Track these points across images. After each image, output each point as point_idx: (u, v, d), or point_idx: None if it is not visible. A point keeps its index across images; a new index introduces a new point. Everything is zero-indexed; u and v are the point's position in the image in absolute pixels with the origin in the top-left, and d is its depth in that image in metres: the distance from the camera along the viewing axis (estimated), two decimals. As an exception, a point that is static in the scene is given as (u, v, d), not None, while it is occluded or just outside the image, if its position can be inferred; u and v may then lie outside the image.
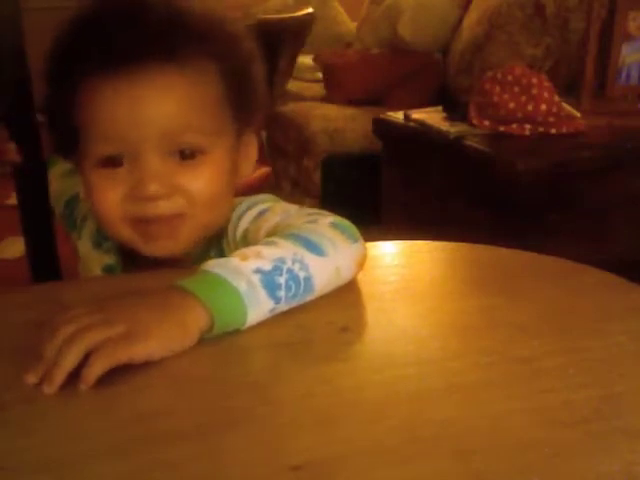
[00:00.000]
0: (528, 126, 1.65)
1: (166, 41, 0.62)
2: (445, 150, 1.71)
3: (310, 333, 0.55)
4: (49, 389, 0.46)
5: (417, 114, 1.87)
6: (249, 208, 0.69)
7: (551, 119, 1.65)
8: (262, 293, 0.53)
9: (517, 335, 0.54)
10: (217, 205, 0.68)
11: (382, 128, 2.02)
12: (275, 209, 0.67)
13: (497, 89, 1.68)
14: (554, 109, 1.65)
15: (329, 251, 0.57)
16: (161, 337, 0.49)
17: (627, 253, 1.62)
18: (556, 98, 1.66)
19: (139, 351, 0.48)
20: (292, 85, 2.73)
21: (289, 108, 2.55)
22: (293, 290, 0.54)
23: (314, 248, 0.57)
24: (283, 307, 0.55)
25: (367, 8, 2.93)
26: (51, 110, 0.69)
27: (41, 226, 0.90)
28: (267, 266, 0.54)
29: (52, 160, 0.92)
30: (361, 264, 0.62)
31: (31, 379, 0.47)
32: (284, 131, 2.50)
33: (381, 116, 2.02)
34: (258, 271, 0.53)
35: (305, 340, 0.54)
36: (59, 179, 0.89)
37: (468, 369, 0.50)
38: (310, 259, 0.56)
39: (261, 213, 0.68)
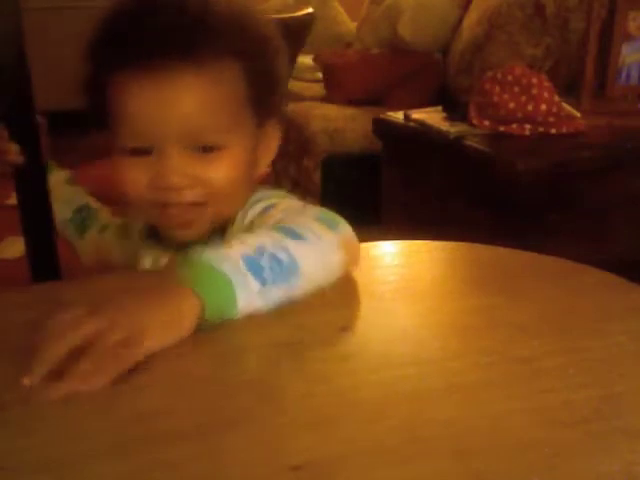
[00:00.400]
0: (528, 126, 1.65)
1: (186, 41, 0.65)
2: (445, 150, 1.71)
3: (310, 333, 0.55)
4: (51, 396, 0.46)
5: (417, 114, 1.87)
6: (259, 200, 0.72)
7: (551, 119, 1.65)
8: (248, 275, 0.54)
9: (517, 335, 0.54)
10: (234, 195, 0.71)
11: (382, 128, 2.02)
12: (280, 206, 0.69)
13: (497, 89, 1.68)
14: (554, 109, 1.65)
15: (309, 236, 0.59)
16: (159, 334, 0.51)
17: (627, 253, 1.62)
18: (556, 98, 1.66)
19: (141, 354, 0.49)
20: (292, 85, 2.73)
21: (289, 108, 2.55)
22: (278, 271, 0.56)
23: (294, 235, 0.58)
24: (272, 289, 0.56)
25: (367, 8, 2.93)
26: (89, 96, 0.73)
27: (41, 226, 0.90)
28: (250, 251, 0.56)
29: (51, 166, 0.93)
30: (351, 247, 0.62)
31: (26, 382, 0.47)
32: (284, 131, 2.50)
33: (381, 116, 2.02)
34: (242, 256, 0.55)
35: (305, 340, 0.54)
36: (63, 186, 0.94)
37: (468, 369, 0.50)
38: (290, 243, 0.57)
39: (267, 209, 0.70)
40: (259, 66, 0.70)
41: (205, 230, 0.72)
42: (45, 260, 0.90)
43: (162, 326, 0.51)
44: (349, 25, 3.31)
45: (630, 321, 0.57)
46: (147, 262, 0.78)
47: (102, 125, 0.71)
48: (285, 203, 0.70)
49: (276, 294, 0.56)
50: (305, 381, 0.49)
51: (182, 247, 0.71)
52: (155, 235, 0.78)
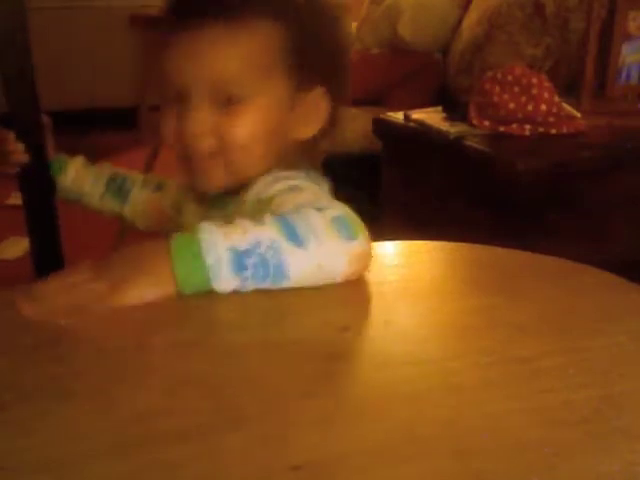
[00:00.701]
0: (528, 126, 1.65)
1: (222, 2, 0.70)
2: (445, 150, 1.71)
3: (310, 333, 0.55)
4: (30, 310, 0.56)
5: (417, 114, 1.87)
6: (288, 178, 0.72)
7: (551, 119, 1.65)
8: (227, 270, 0.57)
9: (517, 335, 0.54)
10: (250, 155, 0.73)
11: (382, 128, 2.02)
12: (306, 191, 0.70)
13: (497, 89, 1.68)
14: (554, 109, 1.65)
15: (310, 245, 0.59)
16: (135, 289, 0.57)
17: (627, 253, 1.62)
18: (556, 98, 1.66)
19: (118, 300, 0.56)
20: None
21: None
22: (261, 273, 0.58)
23: (294, 238, 0.59)
24: (252, 286, 0.58)
25: (367, 8, 2.93)
26: None
27: (46, 225, 0.90)
28: (242, 246, 0.58)
29: (63, 158, 0.94)
30: (359, 261, 0.61)
31: (22, 304, 0.56)
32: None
33: (381, 116, 2.02)
34: (231, 249, 0.57)
35: (305, 340, 0.54)
36: (84, 169, 0.97)
37: (468, 369, 0.50)
38: (286, 247, 0.58)
39: (292, 189, 0.70)
40: (304, 32, 0.72)
41: (223, 182, 0.74)
42: (50, 259, 0.91)
43: (141, 281, 0.57)
44: (349, 25, 3.31)
45: (630, 321, 0.57)
46: (188, 216, 0.81)
47: None
48: (313, 190, 0.70)
49: (252, 287, 0.59)
50: (305, 381, 0.49)
51: (212, 201, 0.76)
52: (198, 198, 0.80)
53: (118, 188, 0.97)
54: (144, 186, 0.97)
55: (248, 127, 0.71)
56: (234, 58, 0.70)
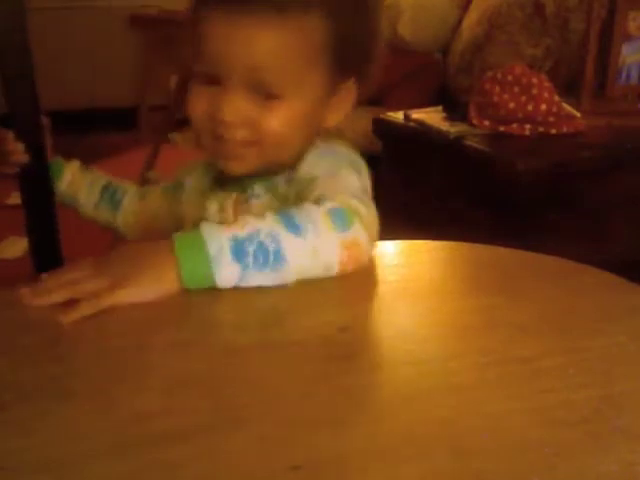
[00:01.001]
0: (528, 126, 1.65)
1: None
2: (445, 150, 1.71)
3: (310, 333, 0.55)
4: (33, 301, 0.58)
5: (417, 114, 1.87)
6: (339, 161, 0.74)
7: (551, 119, 1.65)
8: (229, 258, 0.59)
9: (517, 335, 0.54)
10: (285, 145, 0.73)
11: (382, 128, 2.02)
12: (337, 180, 0.71)
13: (497, 89, 1.68)
14: (554, 109, 1.65)
15: (307, 234, 0.61)
16: (138, 286, 0.58)
17: (627, 253, 1.62)
18: (556, 98, 1.66)
19: (119, 298, 0.57)
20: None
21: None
22: (261, 260, 0.59)
23: (294, 228, 0.61)
24: (254, 274, 0.60)
25: (367, 8, 2.93)
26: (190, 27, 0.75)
27: (45, 225, 0.90)
28: (242, 234, 0.60)
29: (60, 162, 0.94)
30: (352, 250, 0.62)
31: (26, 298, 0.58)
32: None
33: (381, 116, 2.02)
34: (232, 237, 0.59)
35: (305, 340, 0.54)
36: (80, 174, 0.95)
37: (468, 369, 0.50)
38: (285, 236, 0.60)
39: (332, 174, 0.72)
40: (348, 25, 0.71)
41: (253, 167, 0.74)
42: (49, 259, 0.91)
43: (143, 278, 0.58)
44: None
45: (630, 321, 0.57)
46: (213, 207, 0.79)
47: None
48: (339, 180, 0.71)
49: (258, 278, 0.60)
50: (305, 381, 0.49)
51: (240, 187, 0.76)
52: (220, 181, 0.80)
53: (111, 198, 0.96)
54: (134, 196, 0.96)
55: (285, 123, 0.71)
56: (279, 49, 0.68)
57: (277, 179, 0.75)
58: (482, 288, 0.64)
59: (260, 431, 0.43)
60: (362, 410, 0.45)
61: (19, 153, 0.84)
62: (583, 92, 1.89)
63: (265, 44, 0.68)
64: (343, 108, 0.77)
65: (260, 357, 0.53)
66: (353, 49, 0.72)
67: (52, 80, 3.05)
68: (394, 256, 0.73)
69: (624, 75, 1.93)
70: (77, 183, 0.94)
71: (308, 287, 0.62)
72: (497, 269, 0.68)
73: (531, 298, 0.61)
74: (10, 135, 0.84)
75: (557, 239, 1.47)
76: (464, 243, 0.73)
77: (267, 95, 0.69)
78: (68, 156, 0.98)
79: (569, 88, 1.94)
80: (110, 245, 1.78)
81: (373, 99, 2.49)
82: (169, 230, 0.85)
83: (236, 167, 0.74)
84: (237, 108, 0.69)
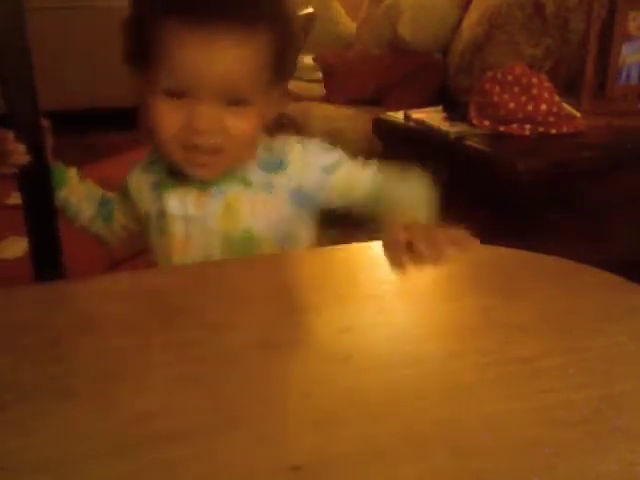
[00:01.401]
0: (528, 126, 1.65)
1: (237, 7, 0.73)
2: (445, 150, 1.71)
3: (310, 333, 0.55)
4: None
5: (417, 114, 1.87)
6: (330, 149, 0.88)
7: (551, 119, 1.65)
8: None
9: (517, 335, 0.54)
10: (248, 146, 0.81)
11: (382, 128, 2.02)
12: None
13: (497, 89, 1.68)
14: (554, 109, 1.65)
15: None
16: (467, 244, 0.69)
17: (627, 253, 1.62)
18: (556, 98, 1.66)
19: (470, 248, 0.68)
20: (292, 85, 2.72)
21: (289, 108, 2.55)
22: None
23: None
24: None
25: (367, 8, 2.93)
26: (133, 35, 0.80)
27: (45, 226, 0.90)
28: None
29: (61, 167, 0.94)
30: None
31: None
32: (284, 131, 2.50)
33: (381, 116, 2.02)
34: None
35: (305, 340, 0.54)
36: (79, 184, 0.96)
37: (468, 369, 0.50)
38: None
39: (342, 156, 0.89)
40: (285, 33, 0.78)
41: (221, 172, 0.80)
42: (49, 259, 0.90)
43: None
44: (349, 25, 3.31)
45: (630, 321, 0.57)
46: (174, 203, 0.83)
47: (139, 62, 0.78)
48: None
49: None
50: (305, 381, 0.49)
51: (199, 182, 0.81)
52: (178, 176, 0.83)
53: (108, 211, 0.96)
54: (119, 209, 0.96)
55: (251, 127, 0.77)
56: (244, 60, 0.74)
57: (243, 171, 0.82)
58: (482, 288, 0.64)
59: (260, 431, 0.43)
60: (362, 410, 0.45)
61: (19, 153, 0.84)
62: (583, 92, 1.88)
63: (236, 57, 0.73)
64: (272, 114, 0.84)
65: (260, 357, 0.53)
66: (288, 56, 0.80)
67: (52, 80, 3.05)
68: (394, 256, 0.73)
69: (624, 75, 1.92)
70: (76, 194, 0.94)
71: (308, 287, 0.62)
72: (497, 269, 0.68)
73: (531, 298, 0.61)
74: (10, 135, 0.84)
75: (557, 239, 1.47)
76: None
77: (235, 102, 0.75)
78: (68, 156, 0.98)
79: (569, 88, 1.94)
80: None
81: (373, 99, 2.49)
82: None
83: (207, 174, 0.80)
84: (212, 115, 0.74)
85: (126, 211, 0.94)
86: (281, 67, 0.79)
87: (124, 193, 0.93)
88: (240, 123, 0.76)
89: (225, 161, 0.79)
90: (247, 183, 0.82)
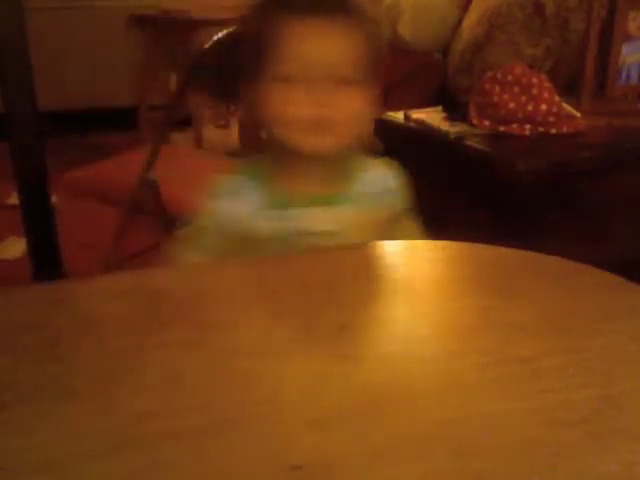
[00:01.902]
0: (528, 126, 1.65)
1: (341, 5, 0.86)
2: (445, 150, 1.71)
3: (310, 332, 0.55)
4: None
5: (417, 114, 1.87)
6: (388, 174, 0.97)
7: (551, 119, 1.65)
8: None
9: (517, 335, 0.54)
10: (358, 124, 0.88)
11: (382, 128, 2.02)
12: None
13: (497, 89, 1.68)
14: (554, 109, 1.65)
15: None
16: None
17: (627, 253, 1.62)
18: (556, 98, 1.66)
19: None
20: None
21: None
22: None
23: None
24: None
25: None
26: (244, 38, 0.90)
27: (43, 226, 0.90)
28: None
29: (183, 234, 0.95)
30: None
31: None
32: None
33: (381, 116, 2.02)
34: None
35: (304, 339, 0.54)
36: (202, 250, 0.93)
37: (468, 369, 0.50)
38: None
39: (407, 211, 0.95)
40: (374, 34, 0.88)
41: (330, 148, 0.86)
42: (48, 259, 0.91)
43: None
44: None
45: (630, 321, 0.57)
46: (312, 220, 0.88)
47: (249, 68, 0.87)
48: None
49: None
50: (305, 381, 0.49)
51: (326, 203, 0.88)
52: (294, 193, 0.89)
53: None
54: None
55: (359, 104, 0.85)
56: (349, 48, 0.84)
57: (349, 195, 0.90)
58: (482, 288, 0.64)
59: (260, 431, 0.43)
60: (362, 410, 0.45)
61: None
62: (583, 92, 1.88)
63: (340, 44, 0.84)
64: (376, 111, 0.91)
65: (260, 357, 0.53)
66: (378, 57, 0.89)
67: (52, 80, 3.05)
68: (394, 256, 0.73)
69: (624, 75, 1.92)
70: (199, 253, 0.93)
71: (308, 287, 0.62)
72: (497, 269, 0.68)
73: (531, 298, 0.61)
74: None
75: (557, 239, 1.47)
76: (464, 243, 0.73)
77: (343, 82, 0.83)
78: (68, 156, 0.98)
79: (569, 88, 1.94)
80: (112, 246, 1.78)
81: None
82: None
83: (316, 144, 0.85)
84: (327, 93, 0.82)
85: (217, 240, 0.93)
86: (373, 62, 0.87)
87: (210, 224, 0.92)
88: (348, 101, 0.84)
89: (338, 137, 0.86)
90: (359, 201, 0.90)
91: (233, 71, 0.94)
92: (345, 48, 0.85)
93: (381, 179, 0.96)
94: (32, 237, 0.90)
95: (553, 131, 1.65)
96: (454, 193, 1.74)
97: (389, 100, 2.45)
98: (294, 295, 0.61)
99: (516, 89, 1.66)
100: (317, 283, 0.65)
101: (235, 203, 0.89)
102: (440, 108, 1.88)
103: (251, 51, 0.87)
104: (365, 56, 0.86)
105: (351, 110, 0.85)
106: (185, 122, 3.20)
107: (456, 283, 0.68)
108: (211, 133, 3.78)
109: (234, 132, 3.17)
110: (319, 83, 0.83)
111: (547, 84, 1.66)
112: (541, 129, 1.65)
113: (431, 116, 1.84)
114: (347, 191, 0.90)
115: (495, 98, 1.67)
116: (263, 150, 0.94)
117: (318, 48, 0.84)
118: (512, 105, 1.65)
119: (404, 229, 0.97)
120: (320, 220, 0.87)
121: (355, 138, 0.89)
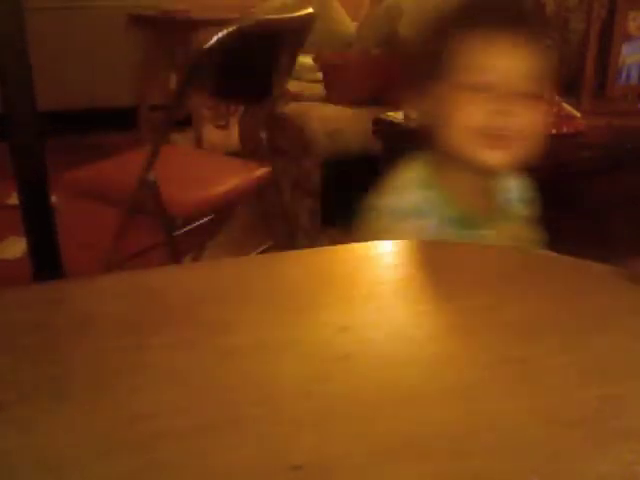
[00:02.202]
0: (528, 126, 1.65)
1: (529, 20, 0.94)
2: (445, 150, 1.71)
3: (309, 333, 0.55)
4: None
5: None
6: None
7: (551, 119, 1.65)
8: None
9: (516, 335, 0.54)
10: (536, 139, 0.91)
11: (382, 128, 2.02)
12: None
13: (497, 89, 1.68)
14: (554, 109, 1.65)
15: None
16: None
17: (627, 253, 1.61)
18: (556, 98, 1.66)
19: None
20: (292, 85, 2.73)
21: (289, 108, 2.55)
22: None
23: None
24: None
25: (367, 8, 2.93)
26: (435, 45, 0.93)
27: (43, 226, 0.90)
28: None
29: None
30: None
31: None
32: (284, 131, 2.50)
33: (381, 116, 2.02)
34: None
35: (304, 340, 0.54)
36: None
37: (467, 369, 0.50)
38: None
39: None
40: (551, 50, 0.92)
41: (510, 161, 0.90)
42: (48, 259, 0.91)
43: None
44: (349, 25, 3.31)
45: (630, 321, 0.57)
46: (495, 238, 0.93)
47: (428, 76, 0.92)
48: None
49: None
50: (304, 381, 0.49)
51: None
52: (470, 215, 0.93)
53: None
54: None
55: (539, 118, 0.89)
56: (535, 61, 0.88)
57: (503, 208, 0.95)
58: (482, 288, 0.64)
59: (260, 431, 0.43)
60: (362, 410, 0.45)
61: None
62: (583, 92, 1.88)
63: (528, 57, 0.88)
64: (548, 124, 0.97)
65: (259, 357, 0.53)
66: (553, 70, 0.92)
67: (52, 80, 3.05)
68: (394, 256, 0.73)
69: (624, 75, 1.92)
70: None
71: (308, 287, 0.62)
72: (497, 269, 0.68)
73: (531, 298, 0.61)
74: None
75: (557, 239, 1.47)
76: (464, 243, 0.73)
77: (527, 96, 0.87)
78: (68, 156, 0.98)
79: (569, 88, 1.94)
80: (112, 245, 1.78)
81: (373, 99, 2.49)
82: None
83: (501, 158, 0.89)
84: (512, 104, 0.86)
85: None
86: (549, 76, 0.91)
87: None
88: (529, 114, 0.87)
89: (516, 150, 0.89)
90: (511, 213, 0.96)
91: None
92: (528, 62, 0.88)
93: (517, 188, 1.02)
94: (32, 237, 0.91)
95: (553, 131, 1.65)
96: (454, 193, 1.73)
97: (389, 100, 2.45)
98: (293, 295, 0.61)
99: (516, 89, 1.66)
100: (316, 283, 0.65)
101: (419, 220, 0.93)
102: (440, 108, 1.88)
103: (430, 59, 0.91)
104: (543, 70, 0.89)
105: (531, 124, 0.88)
106: (185, 122, 3.20)
107: (456, 283, 0.68)
108: (211, 133, 3.78)
109: (234, 132, 3.17)
110: (503, 95, 0.86)
111: (547, 84, 1.66)
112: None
113: (431, 116, 1.83)
114: (499, 203, 0.95)
115: (495, 98, 1.67)
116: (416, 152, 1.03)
117: (504, 61, 0.87)
118: (512, 105, 1.65)
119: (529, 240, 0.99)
120: (494, 239, 0.91)
121: (528, 153, 0.91)
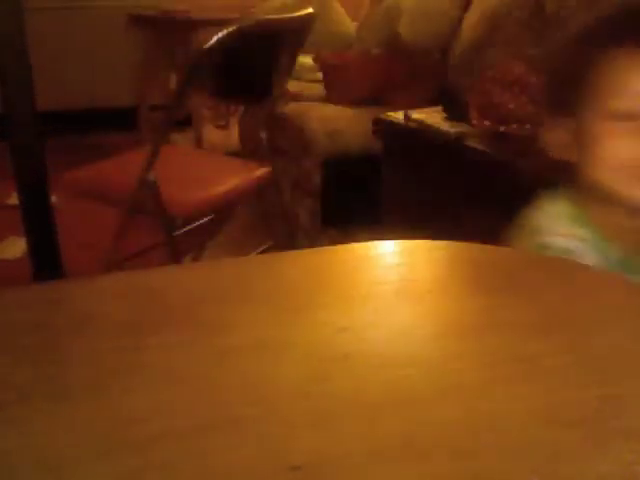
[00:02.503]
0: (528, 126, 1.65)
1: None
2: (445, 150, 1.71)
3: (308, 333, 0.55)
4: None
5: (417, 114, 1.87)
6: None
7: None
8: None
9: (517, 335, 0.54)
10: None
11: (382, 128, 2.02)
12: None
13: (497, 89, 1.68)
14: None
15: None
16: None
17: (627, 253, 1.61)
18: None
19: None
20: (292, 85, 2.73)
21: (289, 108, 2.55)
22: None
23: None
24: None
25: (367, 8, 2.93)
26: (562, 71, 0.87)
27: (43, 226, 0.90)
28: None
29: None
30: None
31: None
32: (284, 131, 2.50)
33: (381, 116, 2.02)
34: None
35: (304, 340, 0.54)
36: None
37: (468, 369, 0.50)
38: None
39: None
40: None
41: None
42: (48, 259, 0.91)
43: None
44: (349, 25, 3.31)
45: (630, 321, 0.57)
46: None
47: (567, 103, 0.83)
48: None
49: None
50: (304, 381, 0.49)
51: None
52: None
53: None
54: None
55: None
56: None
57: None
58: (482, 288, 0.64)
59: (259, 431, 0.43)
60: (362, 410, 0.45)
61: None
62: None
63: None
64: None
65: (259, 357, 0.53)
66: None
67: (52, 80, 3.05)
68: (394, 256, 0.73)
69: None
70: None
71: (308, 287, 0.62)
72: (497, 269, 0.68)
73: (531, 298, 0.61)
74: None
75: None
76: (464, 243, 0.73)
77: None
78: (68, 156, 0.98)
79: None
80: (112, 245, 1.78)
81: (373, 99, 2.49)
82: None
83: None
84: None
85: None
86: None
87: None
88: None
89: None
90: None
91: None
92: None
93: None
94: (32, 237, 0.91)
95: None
96: (454, 193, 1.74)
97: (389, 100, 2.45)
98: (293, 295, 0.61)
99: (516, 89, 1.66)
100: (316, 283, 0.65)
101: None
102: (440, 108, 1.88)
103: (569, 84, 0.83)
104: None
105: None
106: (185, 122, 3.20)
107: (456, 283, 0.68)
108: (211, 133, 3.78)
109: (234, 132, 3.17)
110: None
111: (547, 84, 1.66)
112: (541, 129, 1.65)
113: (431, 116, 1.84)
114: None
115: (495, 98, 1.67)
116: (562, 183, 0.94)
117: None
118: (512, 105, 1.65)
119: None
120: None
121: None
